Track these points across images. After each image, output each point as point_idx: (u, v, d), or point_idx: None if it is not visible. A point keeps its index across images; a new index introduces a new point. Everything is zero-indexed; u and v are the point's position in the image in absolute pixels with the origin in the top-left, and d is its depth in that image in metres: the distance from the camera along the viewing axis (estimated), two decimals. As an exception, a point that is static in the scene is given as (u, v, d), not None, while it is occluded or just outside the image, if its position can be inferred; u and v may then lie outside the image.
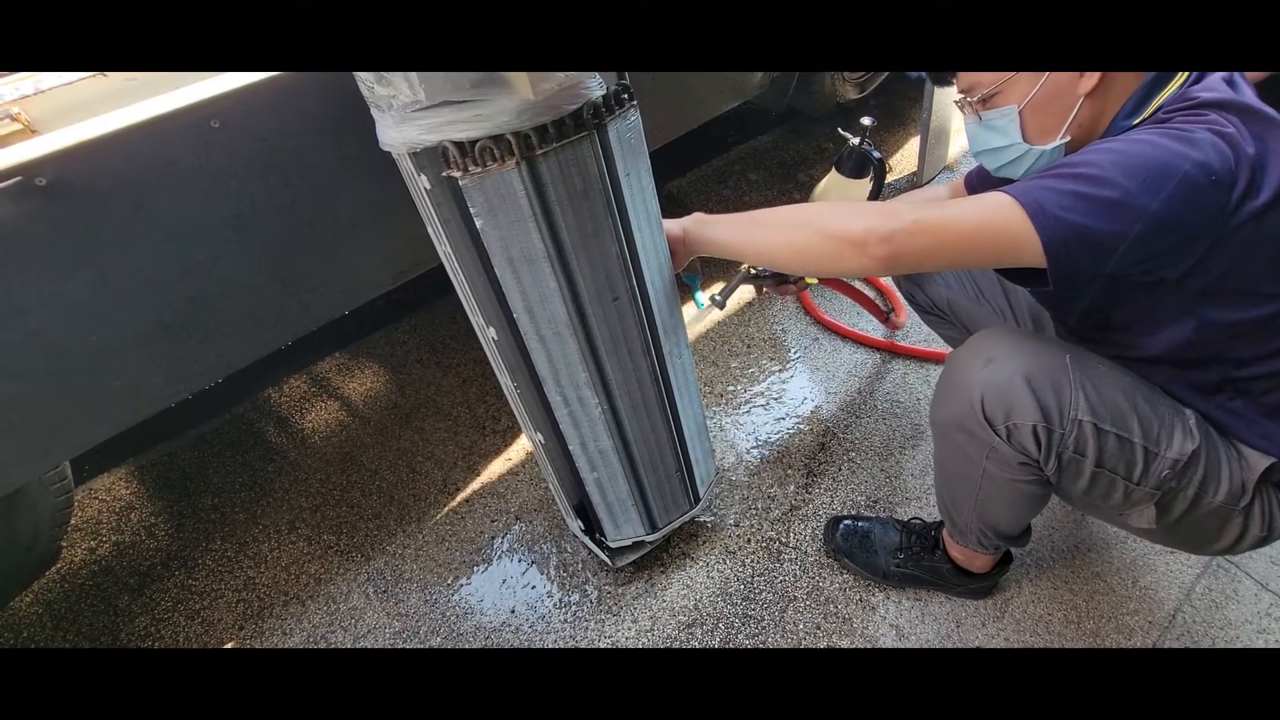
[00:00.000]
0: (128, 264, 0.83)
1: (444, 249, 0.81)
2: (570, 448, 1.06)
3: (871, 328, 1.71)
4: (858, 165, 1.19)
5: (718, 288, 1.29)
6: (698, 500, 1.25)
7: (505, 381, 1.01)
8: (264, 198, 0.88)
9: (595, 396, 0.98)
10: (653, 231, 0.86)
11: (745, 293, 1.78)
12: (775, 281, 1.15)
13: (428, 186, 0.72)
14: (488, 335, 0.94)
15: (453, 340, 1.83)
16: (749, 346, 1.71)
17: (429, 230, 0.83)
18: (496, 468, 1.54)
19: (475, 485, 1.51)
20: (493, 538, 1.43)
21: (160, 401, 0.92)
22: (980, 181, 1.03)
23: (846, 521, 1.37)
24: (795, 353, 1.68)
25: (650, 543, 1.27)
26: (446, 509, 1.47)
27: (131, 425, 0.92)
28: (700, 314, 1.77)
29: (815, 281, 1.29)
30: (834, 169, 1.20)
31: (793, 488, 1.44)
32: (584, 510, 1.19)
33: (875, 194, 1.18)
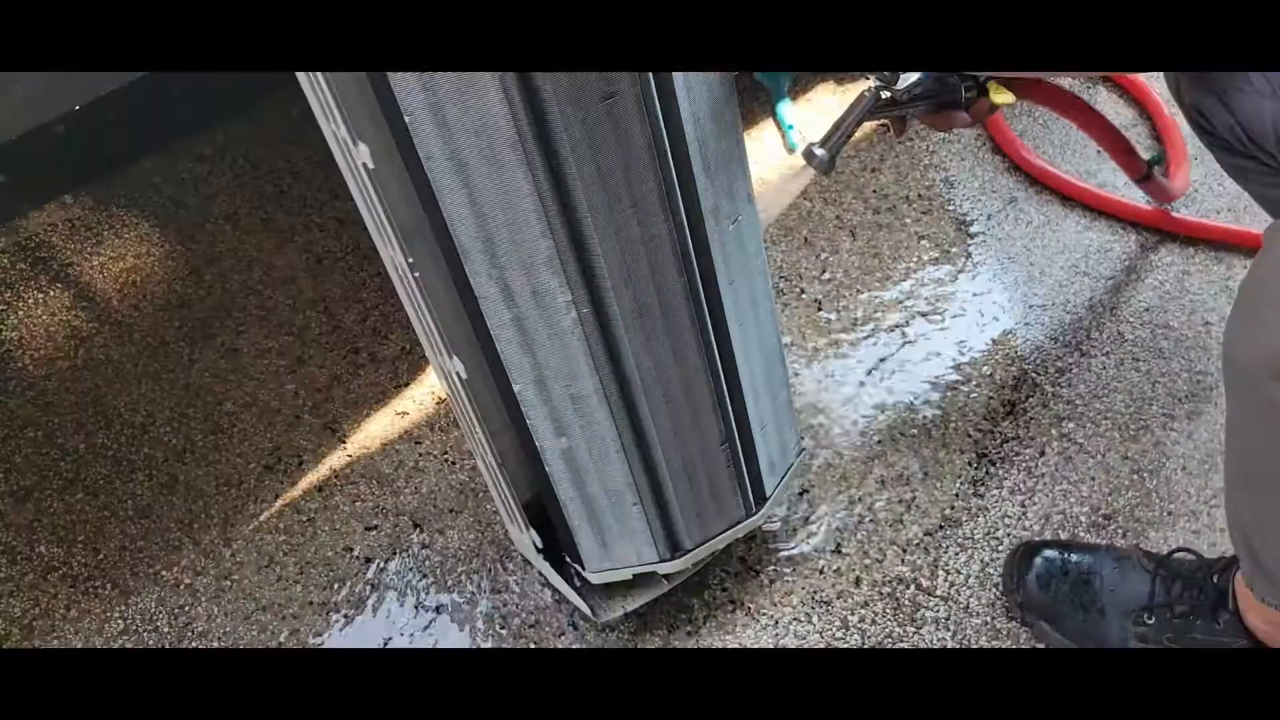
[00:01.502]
0: None
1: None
2: (518, 389, 0.91)
3: (1123, 186, 1.51)
4: None
5: (820, 121, 1.31)
6: (761, 502, 1.08)
7: (394, 257, 0.88)
8: None
9: (564, 290, 0.84)
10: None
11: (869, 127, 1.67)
12: (934, 107, 1.01)
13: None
14: (354, 159, 0.80)
15: (295, 178, 1.67)
16: (878, 214, 1.52)
17: None
18: (377, 428, 1.35)
19: (336, 460, 1.31)
20: (367, 561, 1.23)
21: None
22: None
23: (1049, 553, 1.14)
24: (972, 226, 1.50)
25: (669, 578, 1.10)
26: (280, 503, 1.28)
27: None
28: (787, 166, 1.59)
29: (1011, 99, 1.04)
30: None
31: (948, 484, 1.24)
32: (542, 513, 1.05)
33: None
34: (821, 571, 1.17)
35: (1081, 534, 1.19)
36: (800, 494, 1.25)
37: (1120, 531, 1.19)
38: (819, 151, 0.96)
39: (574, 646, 1.17)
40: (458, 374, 0.94)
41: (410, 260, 0.86)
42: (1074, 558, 1.13)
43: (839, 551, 1.19)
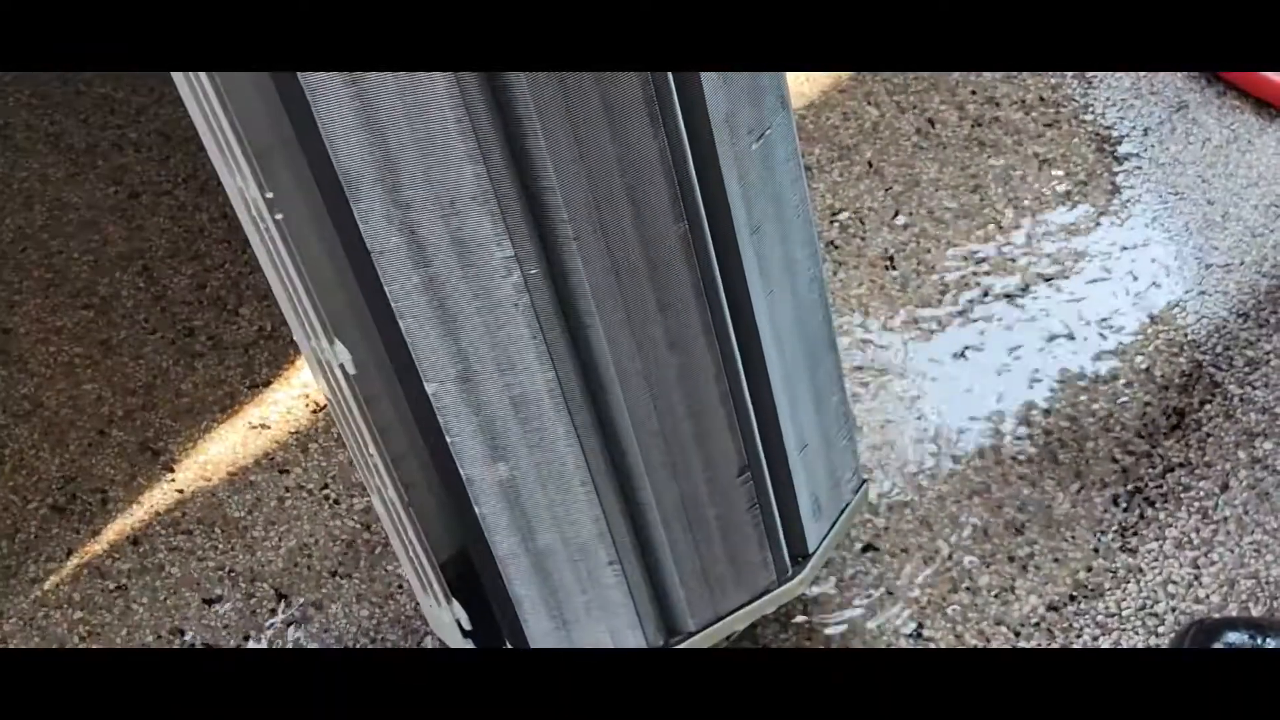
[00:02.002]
0: None
1: None
2: (432, 389, 0.92)
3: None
4: None
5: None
6: (801, 562, 1.13)
7: (245, 190, 0.88)
8: None
9: (501, 239, 0.85)
10: None
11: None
12: None
13: None
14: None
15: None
16: (980, 126, 1.57)
17: None
18: (222, 449, 1.37)
19: (160, 497, 1.33)
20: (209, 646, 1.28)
21: None
22: None
23: (1235, 636, 1.16)
24: (1120, 146, 1.54)
25: None
26: (74, 563, 1.29)
27: None
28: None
29: None
30: None
31: (1083, 534, 1.27)
32: (469, 577, 1.06)
33: None
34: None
35: (1279, 608, 1.23)
36: (863, 550, 1.27)
37: (1341, 605, 1.22)
38: None
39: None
40: (341, 367, 0.94)
41: (269, 196, 0.86)
42: (1272, 644, 1.15)
43: (919, 635, 1.20)
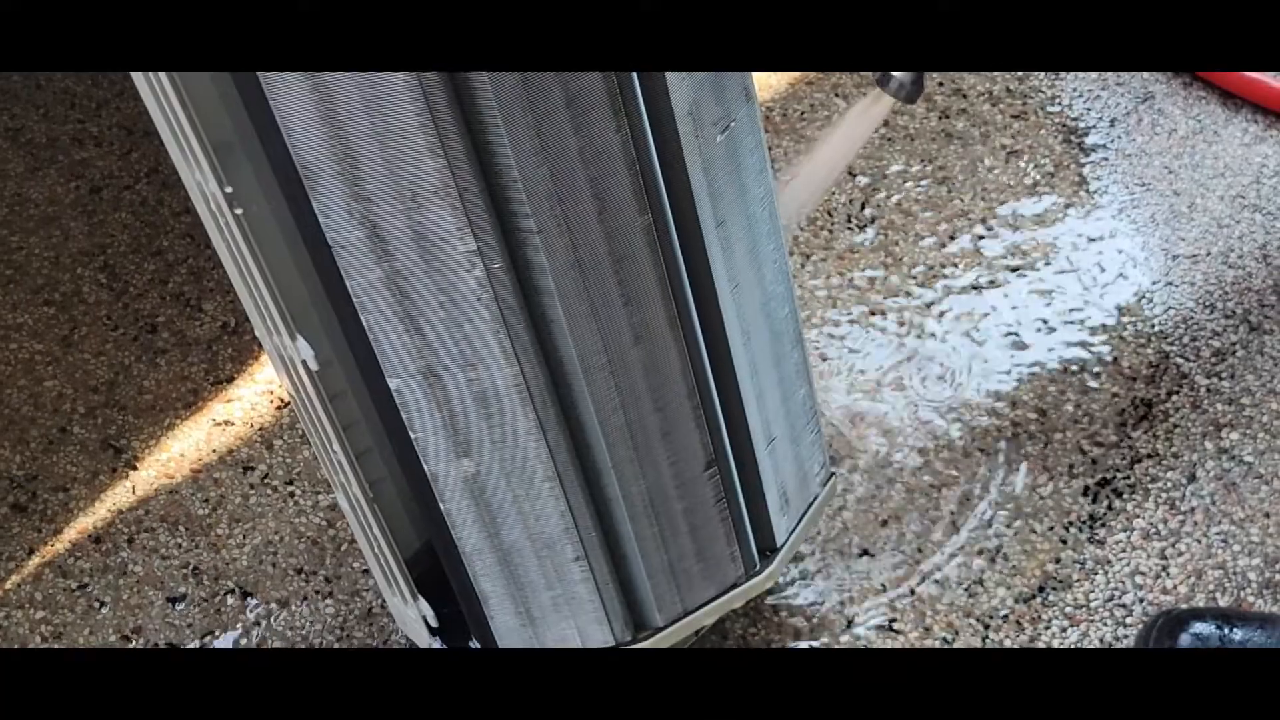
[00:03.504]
0: None
1: None
2: (395, 384, 0.92)
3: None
4: None
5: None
6: (770, 555, 1.13)
7: (204, 184, 0.90)
8: None
9: (463, 233, 0.85)
10: None
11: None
12: None
13: None
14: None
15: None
16: (948, 118, 1.61)
17: None
18: (185, 446, 1.37)
19: (123, 495, 1.32)
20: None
21: None
22: None
23: (1202, 627, 1.18)
24: (1088, 138, 1.58)
25: None
26: (35, 561, 1.30)
27: None
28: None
29: None
30: None
31: (1052, 526, 1.29)
32: (435, 574, 1.07)
33: None
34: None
35: (1250, 599, 1.21)
36: (831, 543, 1.27)
37: (1309, 596, 1.23)
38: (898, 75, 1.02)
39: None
40: (304, 364, 0.94)
41: (229, 190, 0.85)
42: (1238, 635, 1.15)
43: (890, 628, 1.22)
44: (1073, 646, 1.22)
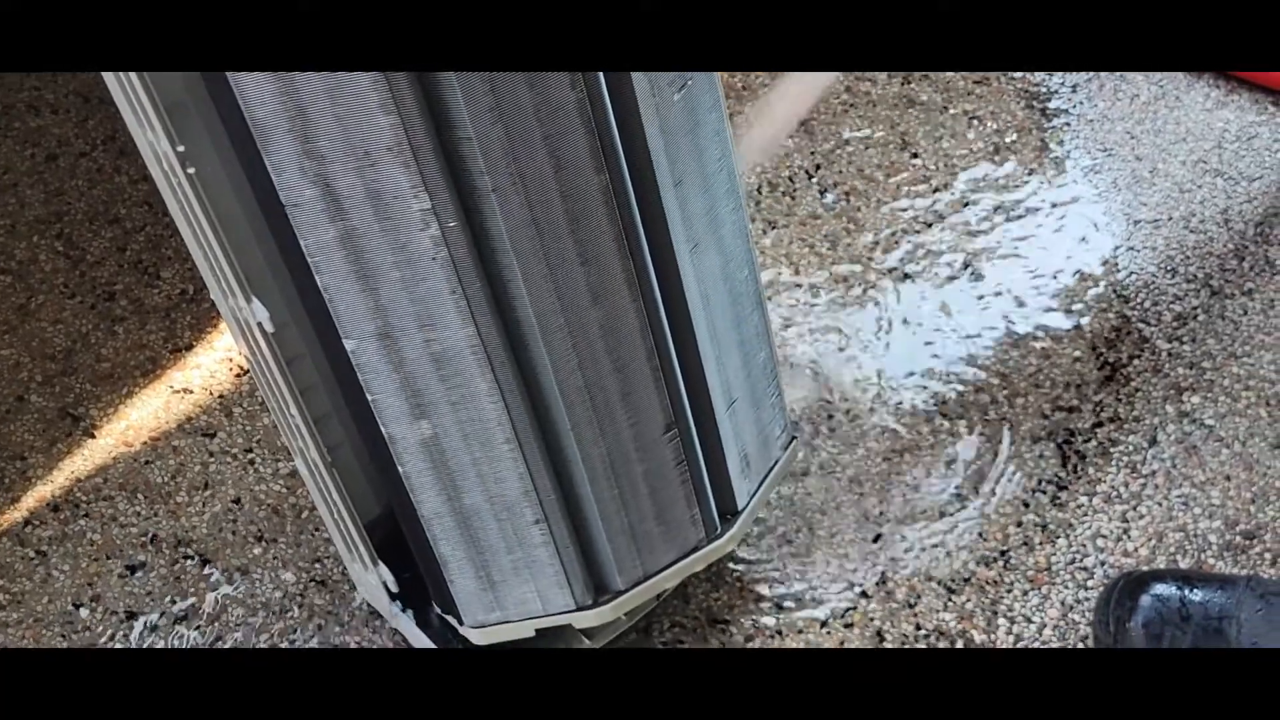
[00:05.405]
0: None
1: None
2: (351, 346, 0.93)
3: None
4: None
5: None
6: (730, 518, 1.14)
7: (157, 144, 0.91)
8: None
9: (418, 191, 0.86)
10: None
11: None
12: None
13: None
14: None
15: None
16: (909, 83, 1.62)
17: None
18: (144, 415, 1.36)
19: (81, 463, 1.33)
20: (129, 617, 1.25)
21: None
22: None
23: (1163, 588, 1.18)
24: (1050, 102, 1.58)
25: (591, 636, 1.18)
26: None
27: None
28: None
29: None
30: None
31: (1013, 489, 1.31)
32: (395, 539, 1.09)
33: None
34: (825, 625, 1.20)
35: (1210, 561, 1.22)
36: (792, 507, 1.27)
37: (1270, 557, 1.24)
38: None
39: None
40: (260, 326, 0.94)
41: (181, 149, 0.85)
42: (1198, 595, 1.16)
43: (852, 588, 1.21)
44: (1034, 611, 1.22)
